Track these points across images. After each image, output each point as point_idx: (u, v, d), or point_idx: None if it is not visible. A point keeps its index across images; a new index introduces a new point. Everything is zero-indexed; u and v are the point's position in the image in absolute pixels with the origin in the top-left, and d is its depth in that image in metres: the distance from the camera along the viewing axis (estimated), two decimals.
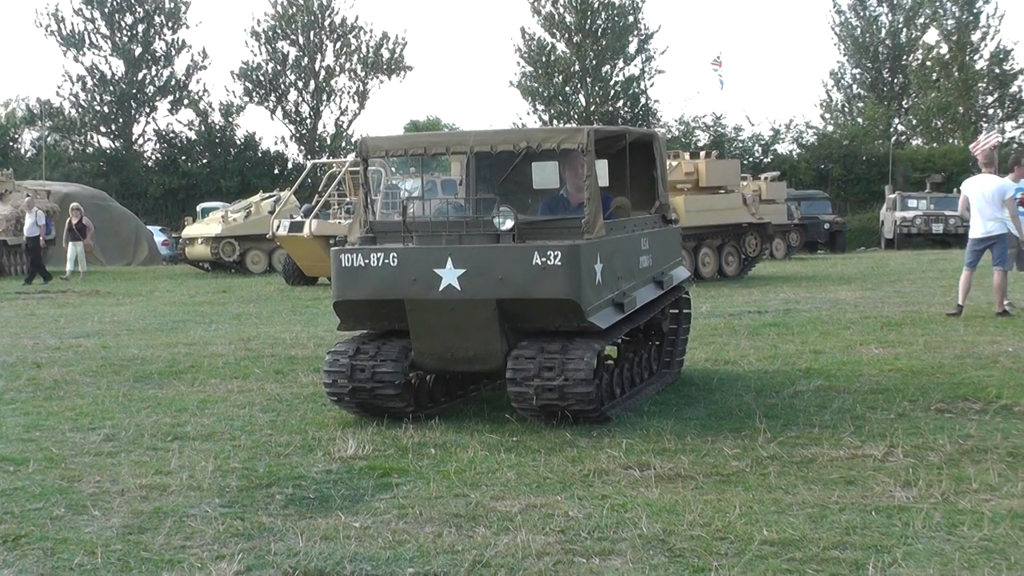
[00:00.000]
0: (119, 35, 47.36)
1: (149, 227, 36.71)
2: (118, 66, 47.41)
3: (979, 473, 5.58)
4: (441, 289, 6.67)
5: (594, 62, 47.31)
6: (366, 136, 7.79)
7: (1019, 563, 4.30)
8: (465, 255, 6.68)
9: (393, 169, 20.25)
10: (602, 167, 8.06)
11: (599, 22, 47.11)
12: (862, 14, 51.07)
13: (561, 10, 47.26)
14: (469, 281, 6.62)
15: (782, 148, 46.73)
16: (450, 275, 6.64)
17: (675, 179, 20.29)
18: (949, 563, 4.30)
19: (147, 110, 48.30)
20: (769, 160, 44.40)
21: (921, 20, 49.97)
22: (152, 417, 7.50)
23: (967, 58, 47.42)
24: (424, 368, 7.21)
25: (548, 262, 6.50)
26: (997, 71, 47.53)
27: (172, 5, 48.00)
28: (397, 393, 6.94)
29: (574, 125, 28.07)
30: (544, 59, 47.53)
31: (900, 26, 50.86)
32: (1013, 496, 5.19)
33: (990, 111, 47.26)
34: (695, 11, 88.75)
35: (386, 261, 6.80)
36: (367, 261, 6.83)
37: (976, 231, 12.29)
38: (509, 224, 6.74)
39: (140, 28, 47.58)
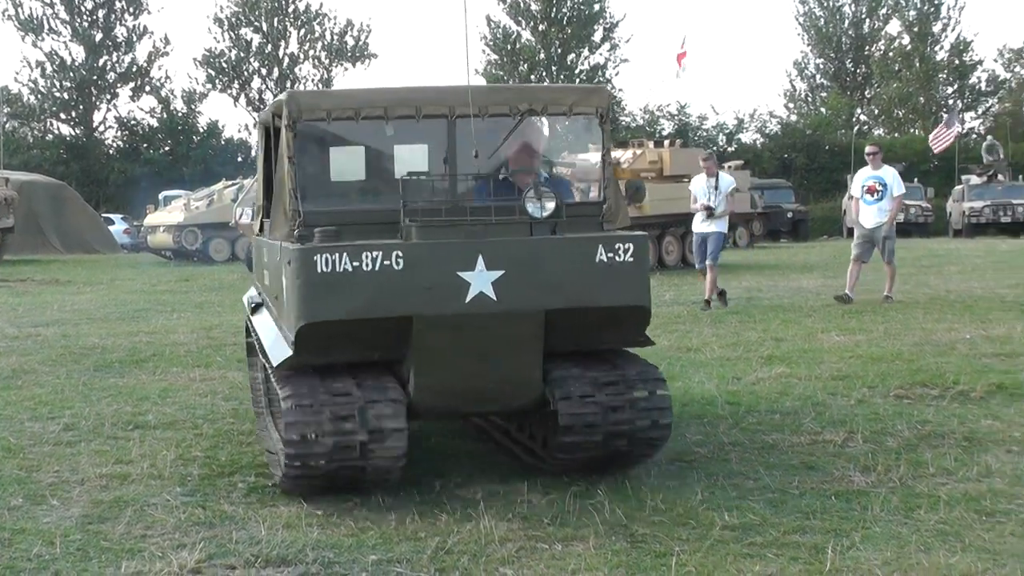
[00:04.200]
0: (79, 20, 46.63)
1: (110, 215, 36.27)
2: (78, 52, 46.73)
3: (936, 458, 5.66)
4: (469, 300, 4.85)
5: (559, 50, 47.36)
6: (294, 90, 5.97)
7: (973, 545, 4.37)
8: (503, 251, 4.90)
9: None
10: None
11: (564, 10, 47.17)
12: (825, 4, 51.53)
13: None
14: (509, 287, 4.87)
15: (746, 137, 46.97)
16: (482, 279, 4.85)
17: (639, 168, 20.41)
18: (906, 546, 4.36)
19: (108, 97, 47.66)
20: (733, 149, 44.61)
21: (883, 11, 50.57)
22: (113, 406, 7.43)
23: (928, 49, 48.06)
24: (425, 413, 5.31)
25: (616, 259, 4.98)
26: (957, 62, 48.20)
27: None
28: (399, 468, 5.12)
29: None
30: (509, 47, 47.52)
31: (863, 16, 51.39)
32: (968, 480, 5.28)
33: (950, 101, 47.84)
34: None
35: (386, 263, 4.81)
36: (357, 263, 4.80)
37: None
38: (551, 207, 5.00)
39: (100, 13, 46.87)
